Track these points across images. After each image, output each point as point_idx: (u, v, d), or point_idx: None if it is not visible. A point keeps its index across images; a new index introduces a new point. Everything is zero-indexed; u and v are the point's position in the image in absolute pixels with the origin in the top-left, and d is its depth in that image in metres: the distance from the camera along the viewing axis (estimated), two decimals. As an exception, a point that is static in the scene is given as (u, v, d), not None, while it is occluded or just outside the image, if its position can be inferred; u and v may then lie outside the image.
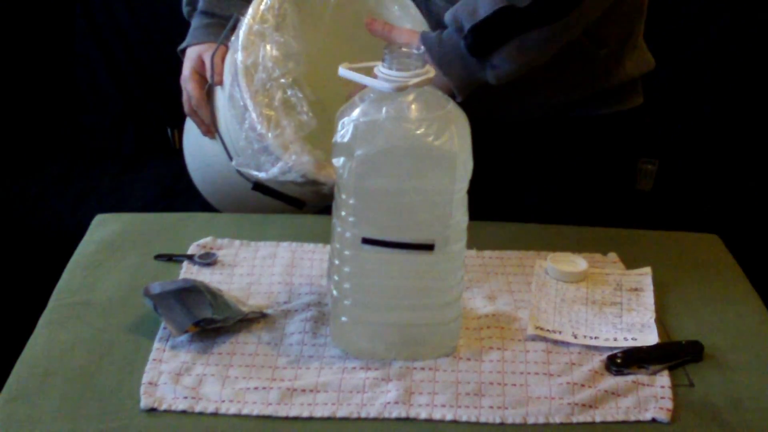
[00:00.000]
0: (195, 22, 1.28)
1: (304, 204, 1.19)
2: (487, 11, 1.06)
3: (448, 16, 1.10)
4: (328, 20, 1.22)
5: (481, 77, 1.11)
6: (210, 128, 1.20)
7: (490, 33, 1.06)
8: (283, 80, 1.08)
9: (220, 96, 1.17)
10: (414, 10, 1.23)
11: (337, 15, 1.23)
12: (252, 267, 1.11)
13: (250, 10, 1.12)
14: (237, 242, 1.16)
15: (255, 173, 1.09)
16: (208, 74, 1.18)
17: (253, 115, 1.06)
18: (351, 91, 1.01)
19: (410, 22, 1.23)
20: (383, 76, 0.86)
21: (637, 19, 1.28)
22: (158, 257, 1.12)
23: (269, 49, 1.09)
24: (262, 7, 1.12)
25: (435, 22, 1.26)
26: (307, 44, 1.18)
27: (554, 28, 1.09)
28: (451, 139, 0.85)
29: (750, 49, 2.10)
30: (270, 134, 1.06)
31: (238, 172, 1.14)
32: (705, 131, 2.16)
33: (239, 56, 1.09)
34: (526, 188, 1.36)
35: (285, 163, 1.06)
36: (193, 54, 1.23)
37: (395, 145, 0.86)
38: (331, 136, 1.14)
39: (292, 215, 1.24)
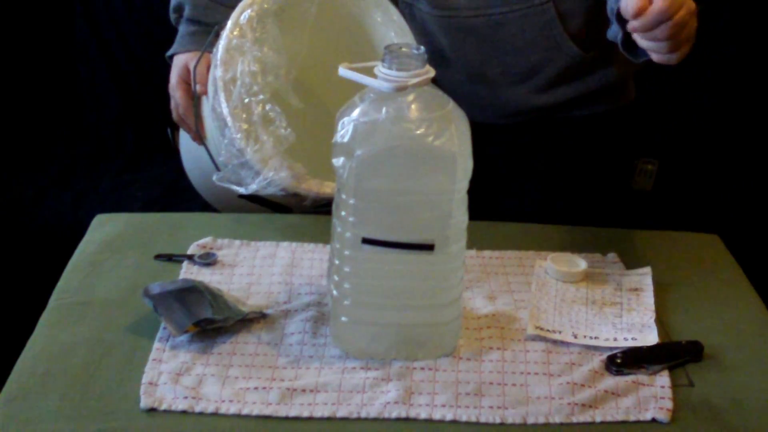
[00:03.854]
0: (182, 29, 1.28)
1: (290, 210, 1.20)
2: None
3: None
4: (310, 29, 1.22)
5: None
6: (197, 136, 1.20)
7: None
8: (261, 95, 1.08)
9: (206, 105, 1.17)
10: (397, 17, 1.23)
11: (319, 23, 1.22)
12: (252, 267, 1.11)
13: (229, 24, 1.12)
14: (237, 242, 1.16)
15: (235, 188, 1.09)
16: (192, 84, 1.18)
17: (233, 131, 1.07)
18: None
19: (393, 29, 1.23)
20: (383, 76, 0.86)
21: None
22: (158, 257, 1.12)
23: (247, 64, 1.09)
24: (241, 20, 1.11)
25: (419, 27, 1.26)
26: (289, 54, 1.18)
27: None
28: (451, 139, 0.85)
29: (750, 48, 2.10)
30: (249, 149, 1.06)
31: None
32: (705, 131, 2.16)
33: (218, 72, 1.09)
34: (525, 188, 1.36)
35: (263, 178, 1.06)
36: (179, 62, 1.23)
37: (395, 145, 0.86)
38: (315, 143, 1.15)
39: (292, 215, 1.24)
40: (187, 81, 1.21)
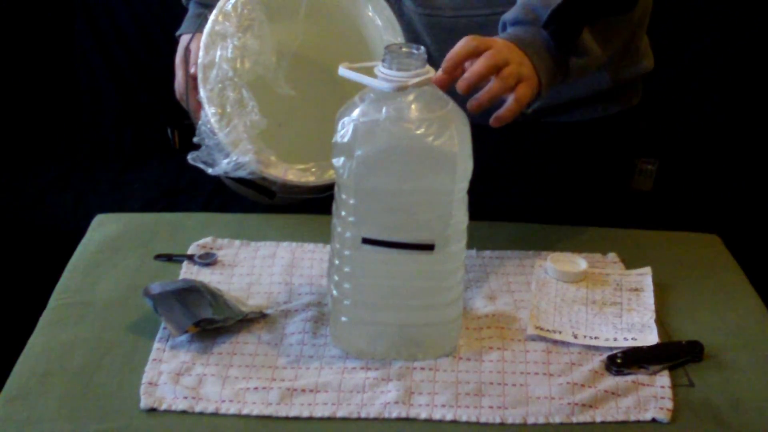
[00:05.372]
0: (190, 10, 1.31)
1: (274, 194, 1.20)
2: None
3: (515, 14, 1.06)
4: (302, 19, 1.23)
5: (563, 71, 1.08)
6: (194, 114, 1.21)
7: (569, 17, 1.04)
8: (237, 80, 1.10)
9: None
10: (388, 12, 1.24)
11: (311, 14, 1.23)
12: (252, 267, 1.11)
13: (216, 9, 1.14)
14: (237, 242, 1.16)
15: (206, 168, 1.10)
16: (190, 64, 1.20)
17: (208, 112, 1.08)
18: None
19: (383, 25, 1.24)
20: (383, 76, 0.86)
21: (634, 28, 1.26)
22: (158, 257, 1.12)
23: (226, 50, 1.12)
24: (226, 6, 1.14)
25: (406, 25, 1.27)
26: (282, 43, 1.19)
27: (622, 18, 1.11)
28: (451, 139, 0.85)
29: (750, 49, 2.10)
30: (221, 131, 1.08)
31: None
32: (705, 131, 2.16)
33: (200, 54, 1.11)
34: (525, 188, 1.36)
35: (229, 161, 1.08)
36: (183, 42, 1.25)
37: (395, 145, 0.86)
38: (308, 131, 1.16)
39: (292, 215, 1.24)
40: (187, 60, 1.22)
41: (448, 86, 0.95)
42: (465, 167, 0.88)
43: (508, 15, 1.07)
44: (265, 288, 1.06)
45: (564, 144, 1.33)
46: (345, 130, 0.86)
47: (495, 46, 0.97)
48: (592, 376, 0.91)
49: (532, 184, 1.35)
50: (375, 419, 0.86)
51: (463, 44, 0.96)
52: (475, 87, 0.95)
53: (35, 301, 1.05)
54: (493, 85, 0.96)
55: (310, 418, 0.86)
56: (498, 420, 0.86)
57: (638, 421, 0.87)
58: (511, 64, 0.97)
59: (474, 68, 0.95)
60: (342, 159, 0.87)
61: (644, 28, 1.29)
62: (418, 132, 0.85)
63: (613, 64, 1.25)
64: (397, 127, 0.85)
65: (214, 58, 1.11)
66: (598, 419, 0.87)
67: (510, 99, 0.97)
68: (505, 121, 0.98)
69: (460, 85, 0.94)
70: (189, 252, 1.13)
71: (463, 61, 0.96)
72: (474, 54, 0.96)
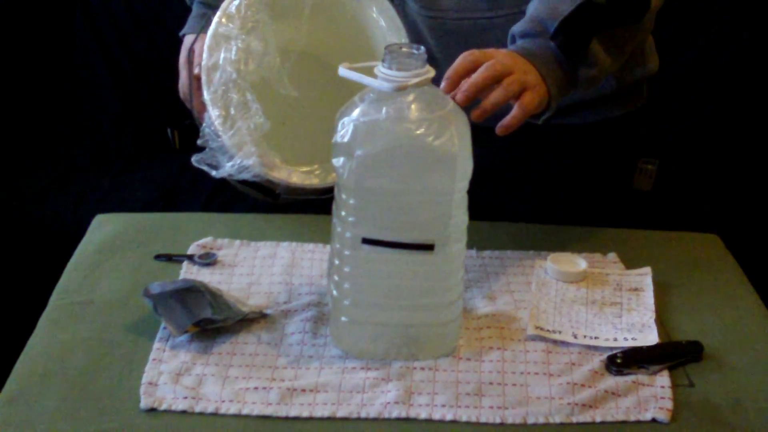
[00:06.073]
0: (193, 10, 1.31)
1: (278, 195, 1.20)
2: (570, 6, 1.02)
3: (522, 26, 1.06)
4: (306, 20, 1.23)
5: (573, 81, 1.07)
6: (198, 115, 1.21)
7: (577, 28, 1.03)
8: (240, 82, 1.10)
9: None
10: (392, 13, 1.24)
11: (315, 15, 1.24)
12: (252, 267, 1.11)
13: (219, 11, 1.14)
14: (237, 242, 1.16)
15: (211, 171, 1.10)
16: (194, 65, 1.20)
17: (212, 115, 1.08)
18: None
19: (387, 26, 1.24)
20: (383, 76, 0.86)
21: (644, 36, 1.26)
22: (158, 257, 1.12)
23: (231, 52, 1.12)
24: (230, 8, 1.14)
25: (410, 27, 1.27)
26: (286, 43, 1.20)
27: (631, 28, 1.09)
28: (451, 139, 0.85)
29: (750, 49, 2.10)
30: (225, 134, 1.08)
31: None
32: (705, 131, 2.16)
33: (204, 56, 1.11)
34: (525, 189, 1.36)
35: (233, 164, 1.08)
36: (187, 42, 1.25)
37: (395, 145, 0.86)
38: (312, 132, 1.16)
39: (292, 215, 1.24)
40: (191, 61, 1.22)
41: None
42: (465, 167, 0.88)
43: (516, 28, 1.07)
44: (265, 288, 1.06)
45: (564, 144, 1.33)
46: (345, 130, 0.86)
47: (495, 57, 0.97)
48: (592, 376, 0.91)
49: (532, 185, 1.35)
50: (375, 419, 0.86)
51: (460, 60, 0.96)
52: (474, 98, 0.94)
53: (35, 301, 1.06)
54: (495, 92, 0.95)
55: (310, 418, 0.86)
56: (498, 420, 0.86)
57: (638, 421, 0.87)
58: (515, 73, 0.97)
59: (472, 79, 0.94)
60: (342, 159, 0.87)
61: (649, 31, 1.29)
62: (418, 132, 0.85)
63: (620, 73, 1.25)
64: (397, 127, 0.85)
65: (218, 60, 1.11)
66: (598, 419, 0.87)
67: (515, 106, 0.97)
68: (510, 129, 0.97)
69: (459, 97, 0.93)
70: (189, 252, 1.13)
71: (462, 77, 0.95)
72: (473, 68, 0.95)
